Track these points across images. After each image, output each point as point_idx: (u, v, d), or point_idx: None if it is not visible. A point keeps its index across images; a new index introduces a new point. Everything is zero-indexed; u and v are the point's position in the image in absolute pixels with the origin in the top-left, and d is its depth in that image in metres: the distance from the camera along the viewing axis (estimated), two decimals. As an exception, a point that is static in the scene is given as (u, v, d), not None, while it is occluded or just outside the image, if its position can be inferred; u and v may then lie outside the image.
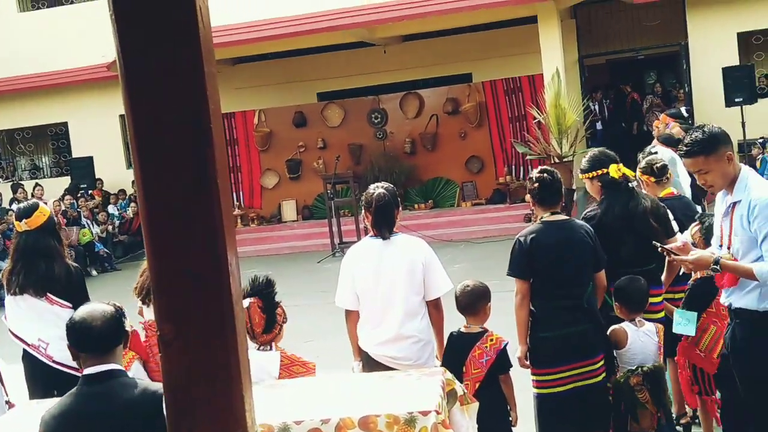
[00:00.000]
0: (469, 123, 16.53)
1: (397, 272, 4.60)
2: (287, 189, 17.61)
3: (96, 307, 2.99)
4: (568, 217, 4.80)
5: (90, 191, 17.73)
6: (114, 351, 2.91)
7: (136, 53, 1.11)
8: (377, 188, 4.73)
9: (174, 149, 1.10)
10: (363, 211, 4.82)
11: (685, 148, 4.10)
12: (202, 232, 1.10)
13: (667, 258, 4.84)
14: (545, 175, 4.68)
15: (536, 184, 4.67)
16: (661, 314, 4.99)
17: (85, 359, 2.90)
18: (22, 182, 18.64)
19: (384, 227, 4.67)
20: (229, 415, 1.15)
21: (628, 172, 5.06)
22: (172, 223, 1.11)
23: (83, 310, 2.97)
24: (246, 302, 4.00)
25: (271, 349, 4.17)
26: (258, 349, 4.13)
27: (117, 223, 17.17)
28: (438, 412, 3.50)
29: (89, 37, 17.60)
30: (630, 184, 5.05)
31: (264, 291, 4.14)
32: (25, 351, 5.09)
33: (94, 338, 2.87)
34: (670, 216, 5.18)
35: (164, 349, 1.14)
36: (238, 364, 1.12)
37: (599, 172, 5.01)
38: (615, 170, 4.97)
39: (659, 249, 4.48)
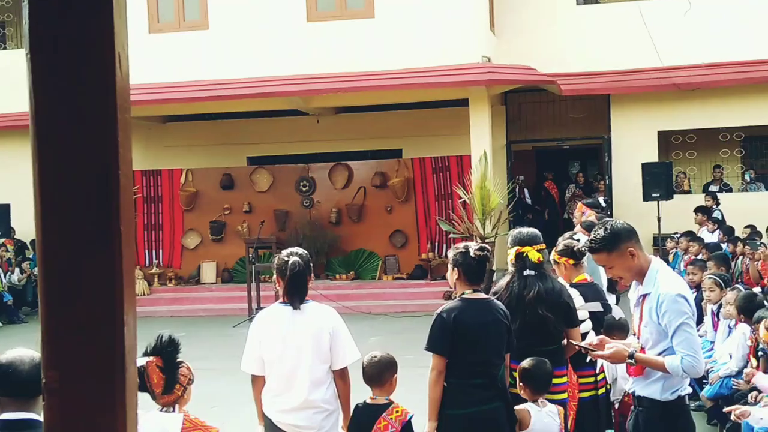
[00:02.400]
0: (396, 198, 16.70)
1: (304, 340, 4.57)
2: (209, 250, 17.40)
3: (25, 352, 2.89)
4: (487, 296, 4.78)
5: (2, 240, 17.20)
6: (36, 400, 2.80)
7: (48, 101, 1.10)
8: (291, 255, 4.68)
9: (78, 195, 1.09)
10: (275, 275, 4.76)
11: (589, 245, 4.25)
12: (100, 281, 1.08)
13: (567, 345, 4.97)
14: (486, 252, 4.63)
15: (474, 261, 4.58)
16: (564, 395, 5.03)
17: (6, 404, 2.78)
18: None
19: (296, 296, 4.64)
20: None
21: (533, 255, 5.06)
22: (68, 270, 1.09)
23: (11, 354, 2.87)
24: (143, 360, 3.88)
25: (174, 411, 4.06)
26: (161, 410, 4.02)
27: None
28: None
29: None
30: (527, 272, 5.03)
31: (165, 350, 4.03)
32: None
33: (21, 383, 2.78)
34: (580, 303, 5.27)
35: (48, 398, 1.12)
36: (124, 420, 1.09)
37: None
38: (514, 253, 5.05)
39: (578, 347, 4.60)
